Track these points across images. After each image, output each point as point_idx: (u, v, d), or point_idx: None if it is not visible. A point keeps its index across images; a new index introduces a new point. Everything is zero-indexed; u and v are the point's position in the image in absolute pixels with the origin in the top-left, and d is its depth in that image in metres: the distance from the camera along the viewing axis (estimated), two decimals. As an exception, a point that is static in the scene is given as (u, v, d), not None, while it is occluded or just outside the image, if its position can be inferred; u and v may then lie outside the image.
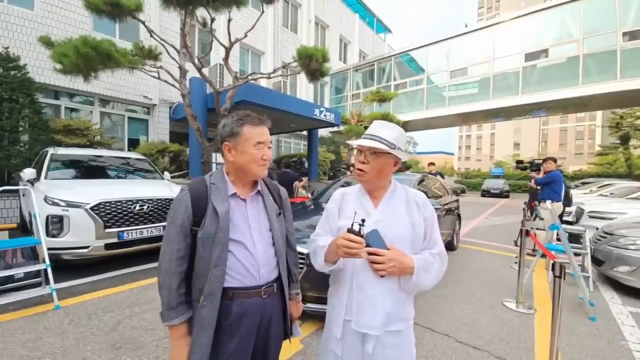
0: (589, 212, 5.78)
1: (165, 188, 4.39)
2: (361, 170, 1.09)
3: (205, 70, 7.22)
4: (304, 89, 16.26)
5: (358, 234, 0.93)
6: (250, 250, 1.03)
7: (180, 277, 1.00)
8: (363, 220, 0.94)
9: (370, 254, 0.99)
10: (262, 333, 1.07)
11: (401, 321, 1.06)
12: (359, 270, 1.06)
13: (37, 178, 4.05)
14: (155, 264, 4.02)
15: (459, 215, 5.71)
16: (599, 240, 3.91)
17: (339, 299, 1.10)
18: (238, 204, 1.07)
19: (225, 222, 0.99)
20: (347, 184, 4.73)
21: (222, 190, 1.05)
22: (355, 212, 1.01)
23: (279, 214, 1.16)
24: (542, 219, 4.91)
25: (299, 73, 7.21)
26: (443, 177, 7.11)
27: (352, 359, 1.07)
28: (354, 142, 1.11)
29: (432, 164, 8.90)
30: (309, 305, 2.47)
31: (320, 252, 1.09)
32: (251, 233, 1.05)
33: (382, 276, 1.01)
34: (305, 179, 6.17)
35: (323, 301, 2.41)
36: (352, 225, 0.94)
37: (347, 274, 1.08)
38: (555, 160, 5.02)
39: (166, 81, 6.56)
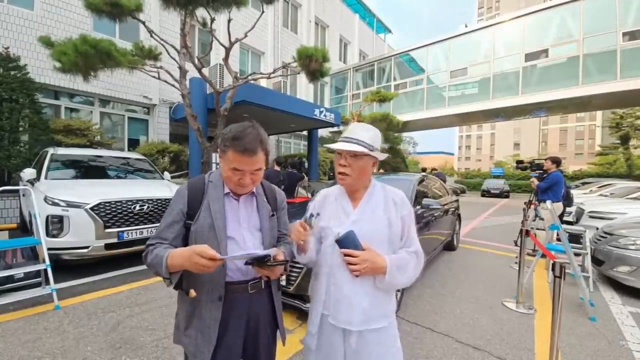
0: (589, 212, 5.77)
1: (165, 188, 4.39)
2: (343, 173, 1.12)
3: (205, 71, 7.22)
4: (304, 89, 16.26)
5: (307, 222, 1.04)
6: (240, 246, 1.06)
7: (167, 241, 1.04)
8: (311, 215, 1.08)
9: (346, 254, 1.04)
10: (251, 332, 1.09)
11: (381, 318, 1.10)
12: (335, 269, 1.10)
13: (37, 178, 4.05)
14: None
15: (459, 215, 5.70)
16: (599, 240, 3.91)
17: (318, 293, 1.15)
18: (231, 202, 1.10)
19: (221, 219, 1.03)
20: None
21: (218, 188, 1.09)
22: (309, 208, 1.16)
23: (272, 215, 1.18)
24: (542, 219, 4.90)
25: (299, 73, 7.21)
26: (443, 178, 7.10)
27: (332, 352, 1.10)
28: (334, 146, 1.12)
29: (434, 169, 9.35)
30: (308, 305, 2.47)
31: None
32: (241, 231, 1.08)
33: (356, 276, 1.05)
34: (305, 178, 6.18)
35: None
36: (307, 216, 1.07)
37: (325, 271, 1.13)
38: (558, 162, 4.92)
39: (166, 81, 6.57)
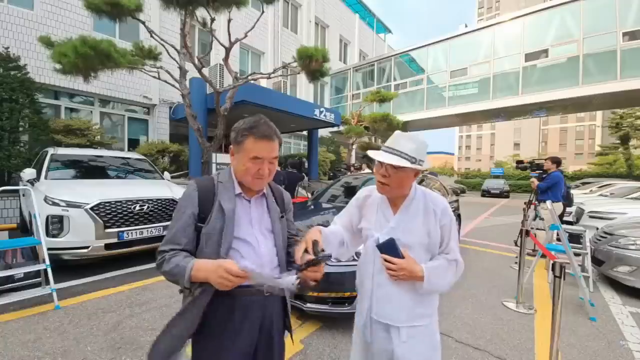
0: (589, 212, 5.77)
1: (165, 188, 4.39)
2: (382, 183, 1.13)
3: (205, 71, 7.21)
4: (304, 89, 16.26)
5: (314, 250, 0.99)
6: (255, 249, 1.04)
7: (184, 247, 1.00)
8: (322, 250, 1.00)
9: (386, 260, 1.09)
10: (264, 332, 1.07)
11: (425, 316, 1.15)
12: (378, 271, 1.15)
13: (37, 178, 4.05)
14: (154, 264, 4.02)
15: (459, 215, 5.71)
16: (599, 240, 3.91)
17: (364, 289, 1.22)
18: (243, 204, 1.08)
19: (230, 219, 1.01)
20: (347, 183, 4.73)
21: (229, 189, 1.06)
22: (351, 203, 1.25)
23: (281, 216, 1.17)
24: (542, 219, 4.90)
25: (299, 73, 7.22)
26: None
27: (379, 346, 1.16)
28: (375, 156, 1.11)
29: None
30: (309, 305, 2.47)
31: (326, 232, 1.18)
32: (254, 233, 1.06)
33: (395, 280, 1.11)
34: (305, 178, 6.18)
35: (323, 301, 2.42)
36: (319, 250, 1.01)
37: (369, 270, 1.20)
38: (558, 162, 4.91)
39: (166, 81, 6.57)
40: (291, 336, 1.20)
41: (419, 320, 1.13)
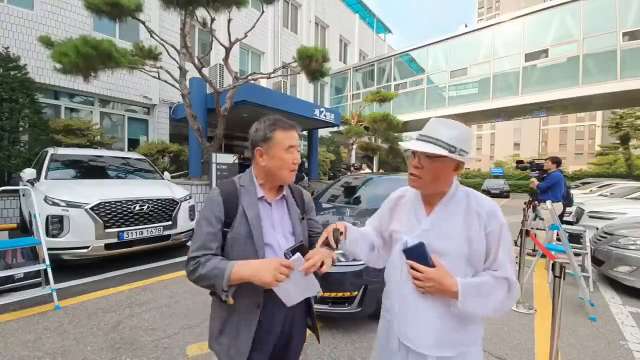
0: (589, 212, 5.77)
1: (165, 188, 4.39)
2: (414, 175, 0.96)
3: (205, 71, 7.22)
4: (304, 89, 16.26)
5: (334, 237, 0.98)
6: (276, 252, 1.05)
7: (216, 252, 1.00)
8: (341, 233, 1.01)
9: (412, 267, 0.93)
10: (285, 332, 1.08)
11: (456, 346, 0.93)
12: (404, 279, 0.97)
13: (37, 178, 4.05)
14: (154, 264, 4.02)
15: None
16: (599, 240, 3.91)
17: (386, 299, 1.07)
18: (264, 207, 1.08)
19: (258, 225, 1.01)
20: (347, 183, 4.73)
21: (251, 193, 1.06)
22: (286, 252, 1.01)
23: (302, 218, 1.16)
24: (542, 219, 4.90)
25: (299, 73, 7.23)
26: None
27: None
28: (406, 145, 0.98)
29: None
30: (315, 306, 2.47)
31: (353, 229, 1.10)
32: (276, 237, 1.06)
33: (422, 292, 0.93)
34: (305, 178, 6.19)
35: (323, 301, 2.42)
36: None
37: (394, 279, 1.03)
38: (558, 162, 4.91)
39: (166, 81, 6.57)
40: (317, 336, 1.19)
41: (451, 348, 0.91)
